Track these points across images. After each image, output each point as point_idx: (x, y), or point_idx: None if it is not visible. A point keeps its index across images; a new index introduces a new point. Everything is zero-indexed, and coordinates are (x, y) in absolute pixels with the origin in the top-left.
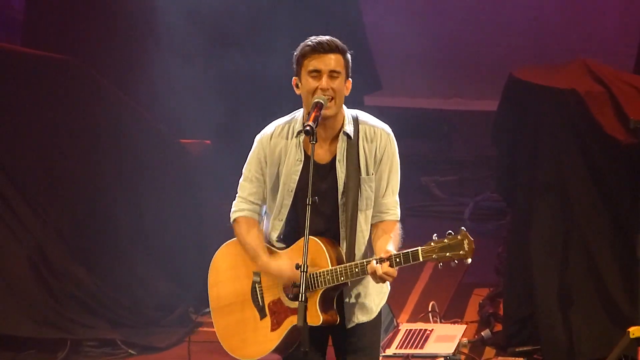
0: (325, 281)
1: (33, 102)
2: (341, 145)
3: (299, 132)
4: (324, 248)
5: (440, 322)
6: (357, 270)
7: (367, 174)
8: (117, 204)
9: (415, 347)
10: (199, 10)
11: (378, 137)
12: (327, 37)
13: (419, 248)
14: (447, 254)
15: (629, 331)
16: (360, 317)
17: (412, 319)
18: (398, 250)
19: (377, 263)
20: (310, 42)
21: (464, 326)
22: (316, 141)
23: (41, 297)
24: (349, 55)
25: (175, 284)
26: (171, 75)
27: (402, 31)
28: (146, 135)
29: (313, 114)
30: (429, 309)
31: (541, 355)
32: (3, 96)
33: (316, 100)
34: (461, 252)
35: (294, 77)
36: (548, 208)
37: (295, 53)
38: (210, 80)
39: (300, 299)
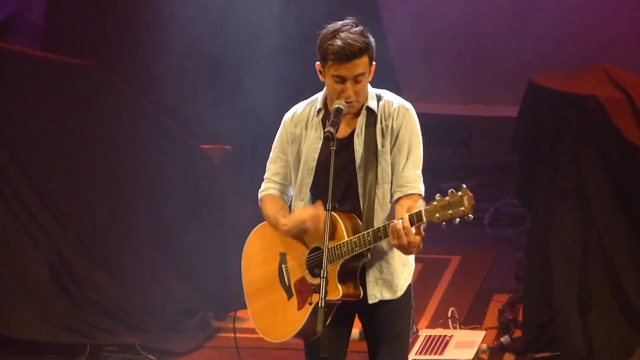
0: (342, 253)
1: (52, 108)
2: (361, 120)
3: (318, 111)
4: (340, 220)
5: (460, 328)
6: (369, 238)
7: (383, 146)
8: (138, 209)
9: (435, 353)
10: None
11: (396, 111)
12: (351, 37)
13: (422, 209)
14: (449, 212)
15: None
16: (385, 294)
17: (431, 325)
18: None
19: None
20: (334, 45)
21: (484, 332)
22: (335, 147)
23: (61, 302)
24: (372, 43)
25: (196, 289)
26: (192, 80)
27: (422, 37)
28: (167, 140)
29: (333, 120)
30: (449, 315)
31: None
32: (23, 101)
33: (336, 106)
34: (462, 209)
35: (317, 63)
36: (568, 214)
37: (318, 42)
38: (232, 84)
39: (320, 305)
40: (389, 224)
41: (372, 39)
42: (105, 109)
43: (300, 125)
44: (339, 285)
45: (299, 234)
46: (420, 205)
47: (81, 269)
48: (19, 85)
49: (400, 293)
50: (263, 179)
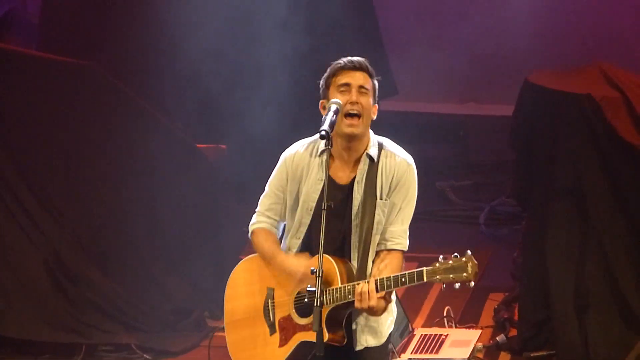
0: (333, 298)
1: (49, 107)
2: (362, 167)
3: (322, 152)
4: (335, 265)
5: (456, 327)
6: None
7: (382, 198)
8: (134, 208)
9: (431, 352)
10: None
11: (398, 165)
12: (358, 57)
13: (424, 269)
14: (451, 275)
15: None
16: (370, 341)
17: (427, 324)
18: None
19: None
20: (341, 61)
21: (479, 331)
22: (332, 146)
23: (57, 302)
24: (376, 81)
25: (192, 289)
26: (187, 79)
27: (418, 36)
28: (163, 139)
29: (329, 119)
30: (444, 314)
31: None
32: (19, 101)
33: (332, 103)
34: (464, 275)
35: (321, 101)
36: (564, 213)
37: (324, 76)
38: (226, 84)
39: (315, 304)
40: (377, 280)
41: (376, 77)
42: (101, 108)
43: (302, 165)
44: (325, 330)
45: (293, 279)
46: (397, 265)
47: (77, 269)
48: (15, 85)
49: (383, 340)
50: (255, 212)
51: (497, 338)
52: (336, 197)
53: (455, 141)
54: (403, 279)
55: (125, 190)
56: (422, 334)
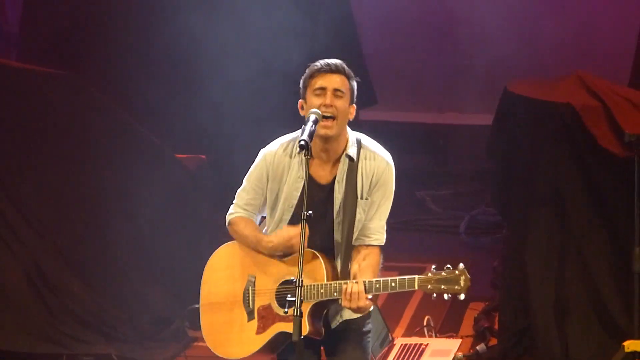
0: (319, 294)
1: (28, 117)
2: (342, 167)
3: (300, 148)
4: (322, 262)
5: (436, 336)
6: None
7: (362, 197)
8: (114, 218)
9: None
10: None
11: (377, 163)
12: (335, 60)
13: (416, 276)
14: (442, 286)
15: (624, 345)
16: (344, 315)
17: (407, 334)
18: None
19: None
20: (318, 63)
21: (459, 340)
22: (311, 156)
23: (37, 312)
24: (354, 82)
25: (171, 299)
26: (167, 89)
27: (397, 45)
28: (143, 149)
29: (308, 129)
30: (424, 323)
31: None
32: None
33: (312, 113)
34: (456, 287)
35: (299, 100)
36: (544, 221)
37: (303, 76)
38: (205, 94)
39: (295, 314)
40: (366, 282)
41: (354, 78)
42: (80, 118)
43: (283, 164)
44: (307, 323)
45: (285, 251)
46: (376, 261)
47: (58, 279)
48: None
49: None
50: (232, 204)
51: (478, 347)
52: (318, 196)
53: (435, 151)
54: (393, 284)
55: (105, 201)
56: (402, 344)
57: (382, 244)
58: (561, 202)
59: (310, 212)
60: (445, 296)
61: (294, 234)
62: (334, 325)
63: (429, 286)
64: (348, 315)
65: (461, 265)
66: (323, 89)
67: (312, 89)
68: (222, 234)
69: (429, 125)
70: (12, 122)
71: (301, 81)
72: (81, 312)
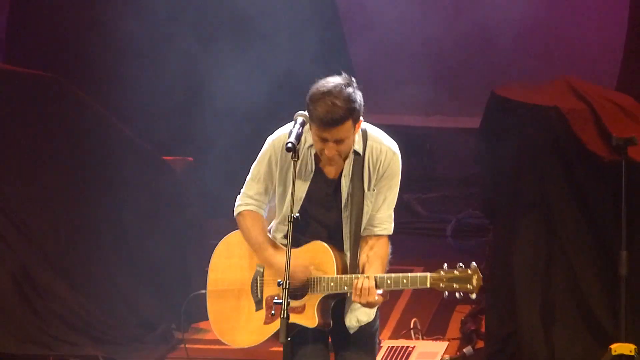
0: (328, 287)
1: (15, 120)
2: (349, 162)
3: (310, 145)
4: (332, 254)
5: (422, 339)
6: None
7: (369, 189)
8: (101, 221)
9: None
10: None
11: (383, 155)
12: (337, 103)
13: (428, 274)
14: (455, 285)
15: (610, 348)
16: (361, 318)
17: (394, 336)
18: (386, 270)
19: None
20: (318, 110)
21: (446, 343)
22: (298, 158)
23: (24, 314)
24: (358, 106)
25: (159, 301)
26: (154, 92)
27: (384, 49)
28: (129, 152)
29: (295, 131)
30: (411, 326)
31: None
32: None
33: (298, 115)
34: (469, 287)
35: (300, 112)
36: (531, 225)
37: (307, 97)
38: (191, 96)
39: (282, 316)
40: (377, 277)
41: (359, 100)
42: (67, 121)
43: (290, 154)
44: (316, 315)
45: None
46: (385, 252)
47: (44, 281)
48: None
49: (373, 315)
50: (240, 193)
51: (464, 350)
52: (326, 190)
53: (421, 154)
54: (405, 280)
55: (92, 203)
56: (388, 346)
57: (390, 233)
58: (548, 205)
59: (297, 214)
60: (457, 295)
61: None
62: (352, 331)
63: (441, 284)
64: (365, 319)
65: (473, 264)
66: (325, 140)
67: (314, 131)
68: (209, 237)
69: (416, 128)
70: None
71: (307, 99)
72: (68, 315)
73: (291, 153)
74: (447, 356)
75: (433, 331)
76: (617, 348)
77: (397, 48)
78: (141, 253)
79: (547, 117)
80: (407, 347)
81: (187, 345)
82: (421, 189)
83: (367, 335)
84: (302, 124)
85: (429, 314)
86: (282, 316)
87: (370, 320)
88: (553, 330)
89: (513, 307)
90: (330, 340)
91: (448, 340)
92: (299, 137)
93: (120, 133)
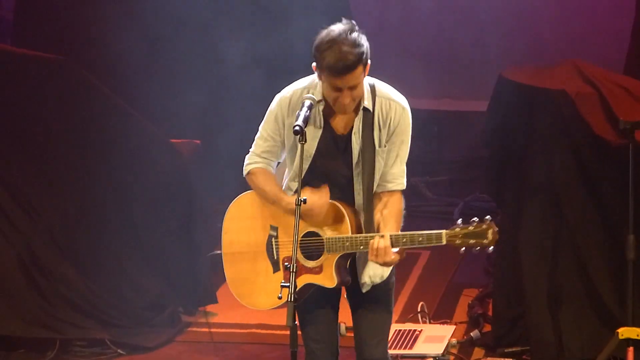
0: (344, 247)
1: (23, 102)
2: (358, 119)
3: (319, 101)
4: (346, 214)
5: (430, 322)
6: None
7: (380, 145)
8: (108, 203)
9: (404, 348)
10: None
11: (393, 110)
12: (346, 49)
13: (443, 231)
14: (471, 240)
15: (618, 332)
16: (375, 276)
17: (401, 320)
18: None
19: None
20: (329, 58)
21: (453, 327)
22: (305, 141)
23: (30, 297)
24: (366, 50)
25: (165, 284)
26: (162, 74)
27: (392, 31)
28: (137, 134)
29: (303, 114)
30: (418, 310)
31: (530, 356)
32: None
33: (305, 99)
34: (484, 241)
35: (313, 64)
36: (538, 209)
37: (314, 47)
38: (199, 78)
39: (289, 299)
40: (392, 236)
41: (365, 44)
42: (75, 103)
43: (298, 110)
44: (334, 275)
45: (302, 216)
46: (399, 208)
47: (51, 264)
48: None
49: (387, 273)
50: (248, 152)
51: (471, 334)
52: (336, 146)
53: (429, 137)
54: (420, 239)
55: (100, 185)
56: (396, 330)
57: (404, 187)
58: (555, 189)
59: (304, 198)
60: (474, 250)
61: (316, 204)
62: (364, 289)
63: (457, 241)
64: (379, 279)
65: (488, 217)
66: (339, 88)
67: (327, 81)
68: (216, 220)
69: (423, 111)
70: (6, 107)
71: (313, 50)
72: (75, 298)
73: (298, 135)
74: (454, 340)
75: (440, 315)
76: (624, 332)
77: (406, 31)
78: (148, 236)
79: (555, 100)
80: (415, 330)
81: (194, 329)
82: (429, 172)
83: (383, 291)
84: (310, 107)
85: (436, 297)
86: (289, 300)
87: (383, 280)
88: (560, 314)
89: (520, 290)
90: (346, 296)
91: (455, 324)
92: (306, 120)
93: (128, 115)
